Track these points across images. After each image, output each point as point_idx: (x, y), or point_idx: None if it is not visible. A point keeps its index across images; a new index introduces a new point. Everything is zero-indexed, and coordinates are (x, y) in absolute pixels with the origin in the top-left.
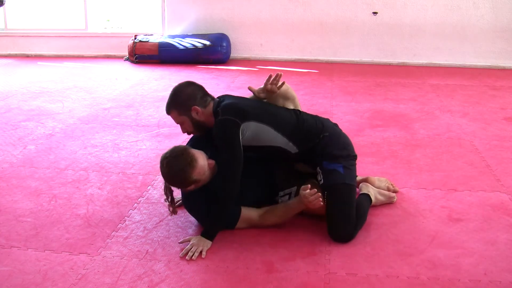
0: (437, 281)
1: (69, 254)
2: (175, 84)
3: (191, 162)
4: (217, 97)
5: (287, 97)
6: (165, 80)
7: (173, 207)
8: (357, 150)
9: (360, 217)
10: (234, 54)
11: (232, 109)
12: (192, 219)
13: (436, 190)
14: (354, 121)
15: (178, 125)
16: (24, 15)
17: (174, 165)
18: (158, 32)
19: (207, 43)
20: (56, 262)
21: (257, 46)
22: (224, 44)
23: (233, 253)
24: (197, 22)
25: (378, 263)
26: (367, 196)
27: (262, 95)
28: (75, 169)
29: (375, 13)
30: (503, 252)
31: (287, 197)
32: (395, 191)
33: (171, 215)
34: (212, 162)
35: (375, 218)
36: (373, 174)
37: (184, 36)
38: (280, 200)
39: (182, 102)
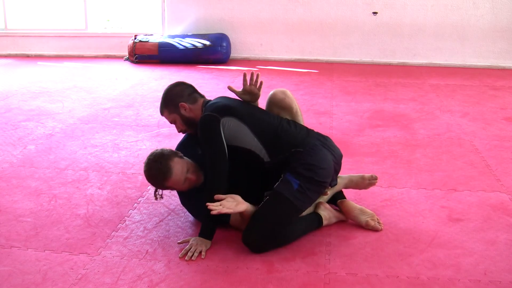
0: (437, 281)
1: (69, 254)
2: None
3: (165, 173)
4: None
5: (282, 107)
6: (165, 80)
7: (156, 195)
8: (357, 150)
9: (284, 238)
10: (234, 54)
11: (213, 106)
12: (192, 219)
13: (436, 190)
14: (354, 121)
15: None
16: (24, 15)
17: (151, 169)
18: (158, 32)
19: (207, 43)
20: (56, 262)
21: (257, 46)
22: (224, 44)
23: (233, 253)
24: (197, 22)
25: (378, 263)
26: (317, 218)
27: (245, 96)
28: (75, 169)
29: (375, 13)
30: (503, 252)
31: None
32: (375, 229)
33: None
34: (193, 177)
35: None
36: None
37: (184, 36)
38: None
39: (170, 100)
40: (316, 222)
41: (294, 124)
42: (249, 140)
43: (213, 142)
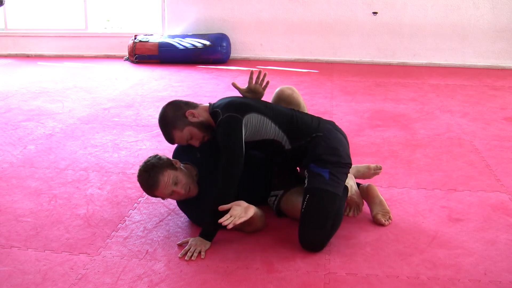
0: (437, 281)
1: (69, 254)
2: (175, 83)
3: (151, 185)
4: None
5: (290, 102)
6: (165, 80)
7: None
8: (357, 150)
9: (334, 226)
10: (234, 54)
11: (232, 105)
12: None
13: (436, 190)
14: (354, 121)
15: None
16: (24, 15)
17: (139, 178)
18: (158, 32)
19: (207, 43)
20: (56, 262)
21: (257, 46)
22: (224, 44)
23: (233, 253)
24: (197, 22)
25: (378, 263)
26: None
27: (248, 95)
28: (75, 169)
29: (375, 13)
30: (503, 252)
31: (273, 198)
32: (380, 223)
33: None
34: (181, 191)
35: None
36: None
37: (184, 36)
38: (268, 200)
39: (174, 118)
40: (346, 194)
41: (304, 113)
42: (272, 130)
43: (233, 144)
